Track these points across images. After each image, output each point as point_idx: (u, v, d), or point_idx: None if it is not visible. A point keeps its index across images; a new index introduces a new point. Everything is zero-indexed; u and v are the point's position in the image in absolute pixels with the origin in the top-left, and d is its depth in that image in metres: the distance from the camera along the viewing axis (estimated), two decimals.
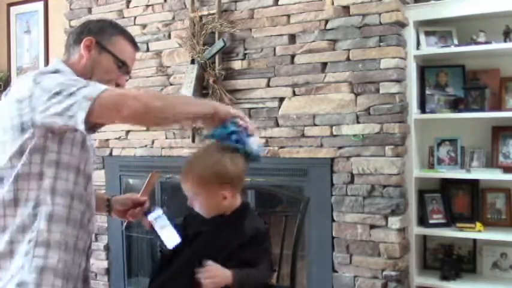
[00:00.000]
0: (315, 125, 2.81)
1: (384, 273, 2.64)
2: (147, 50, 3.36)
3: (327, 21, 2.78)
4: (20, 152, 1.38)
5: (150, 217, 1.59)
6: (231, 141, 1.48)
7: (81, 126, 1.30)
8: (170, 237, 1.53)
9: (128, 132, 3.44)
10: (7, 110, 1.40)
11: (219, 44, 2.99)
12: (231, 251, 1.53)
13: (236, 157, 1.51)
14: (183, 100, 1.52)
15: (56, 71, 1.46)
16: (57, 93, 1.32)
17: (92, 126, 1.34)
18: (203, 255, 1.49)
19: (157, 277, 1.61)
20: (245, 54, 3.02)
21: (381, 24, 2.63)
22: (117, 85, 1.59)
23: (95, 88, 1.33)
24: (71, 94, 1.31)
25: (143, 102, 1.31)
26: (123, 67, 1.59)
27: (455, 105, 2.79)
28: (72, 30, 1.65)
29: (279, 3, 2.91)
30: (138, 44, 3.45)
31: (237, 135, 1.48)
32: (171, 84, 3.27)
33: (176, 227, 1.57)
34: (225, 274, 1.46)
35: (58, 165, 1.41)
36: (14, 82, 1.50)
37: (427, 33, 2.79)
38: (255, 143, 1.51)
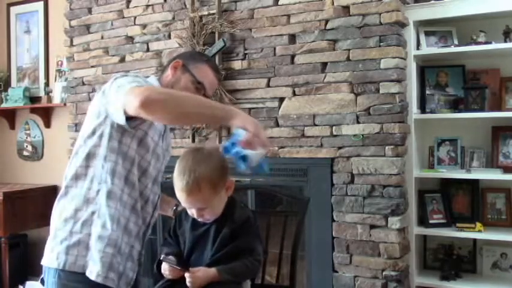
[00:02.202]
0: (315, 125, 2.81)
1: (384, 273, 2.64)
2: (147, 50, 3.35)
3: (327, 21, 2.78)
4: (92, 134, 1.63)
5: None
6: (231, 155, 1.45)
7: (122, 118, 1.51)
8: None
9: None
10: (95, 100, 1.67)
11: (219, 44, 2.99)
12: (224, 237, 1.56)
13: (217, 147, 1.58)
14: (197, 101, 1.54)
15: (136, 75, 1.66)
16: (119, 88, 1.54)
17: (136, 124, 1.57)
18: (200, 258, 1.56)
19: None
20: (245, 54, 3.02)
21: (381, 24, 2.63)
22: None
23: (134, 83, 1.52)
24: (120, 88, 1.53)
25: (145, 94, 1.44)
26: (201, 88, 1.75)
27: (455, 105, 2.79)
28: None
29: (279, 3, 2.91)
30: (138, 44, 3.45)
31: (236, 149, 1.43)
32: None
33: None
34: (207, 275, 1.52)
35: (118, 153, 1.62)
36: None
37: (427, 33, 2.79)
38: (254, 158, 1.44)
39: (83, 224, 1.61)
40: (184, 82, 1.75)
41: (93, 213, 1.61)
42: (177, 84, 1.75)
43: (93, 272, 1.56)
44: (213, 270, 1.53)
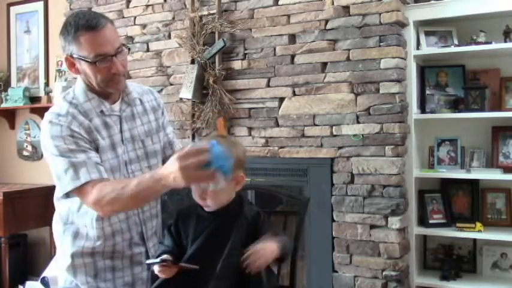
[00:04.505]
0: (315, 125, 2.81)
1: (384, 273, 2.64)
2: (147, 50, 3.35)
3: (327, 21, 2.78)
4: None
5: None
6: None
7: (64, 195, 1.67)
8: None
9: None
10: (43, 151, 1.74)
11: (219, 44, 2.99)
12: (236, 234, 1.55)
13: (239, 142, 1.58)
14: (135, 192, 1.48)
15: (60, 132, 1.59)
16: (58, 178, 1.63)
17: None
18: (212, 251, 1.52)
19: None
20: (245, 54, 3.02)
21: (381, 24, 2.63)
22: (113, 74, 1.60)
23: (69, 174, 1.57)
24: (59, 180, 1.63)
25: (98, 205, 1.53)
26: (102, 59, 1.54)
27: (455, 105, 2.79)
28: None
29: (279, 3, 2.91)
30: (138, 44, 3.42)
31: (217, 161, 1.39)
32: (171, 84, 3.27)
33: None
34: (271, 249, 1.49)
35: None
36: None
37: (427, 33, 2.79)
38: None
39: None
40: (89, 72, 1.56)
41: (61, 250, 1.75)
42: (89, 77, 1.59)
43: None
44: (273, 244, 1.50)
